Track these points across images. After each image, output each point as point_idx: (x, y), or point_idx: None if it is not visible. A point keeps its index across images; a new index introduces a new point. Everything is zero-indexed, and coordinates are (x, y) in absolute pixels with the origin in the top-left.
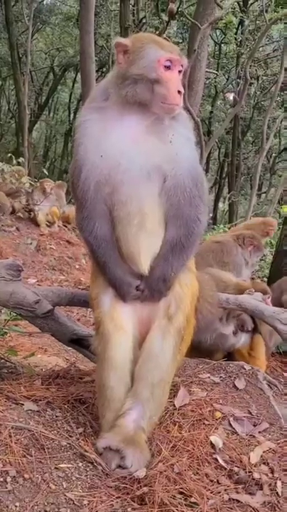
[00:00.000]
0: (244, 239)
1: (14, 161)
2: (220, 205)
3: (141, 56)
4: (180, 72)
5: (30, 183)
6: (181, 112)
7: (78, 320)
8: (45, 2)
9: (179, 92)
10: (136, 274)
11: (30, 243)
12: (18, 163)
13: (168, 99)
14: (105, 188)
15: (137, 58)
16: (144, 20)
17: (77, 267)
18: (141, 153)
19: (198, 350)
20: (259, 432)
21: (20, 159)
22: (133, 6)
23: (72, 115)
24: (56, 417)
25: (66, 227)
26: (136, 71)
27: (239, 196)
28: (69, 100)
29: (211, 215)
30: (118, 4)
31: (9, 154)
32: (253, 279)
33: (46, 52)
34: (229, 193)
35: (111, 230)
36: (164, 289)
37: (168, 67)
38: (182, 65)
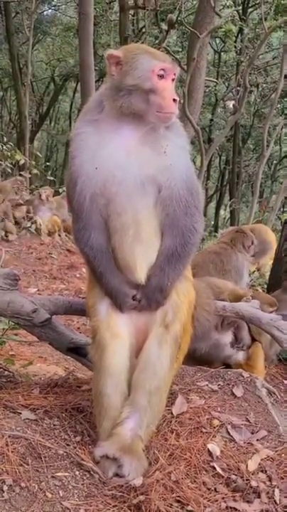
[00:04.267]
0: (241, 242)
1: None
2: (221, 212)
3: (135, 67)
4: (173, 80)
5: (30, 192)
6: (175, 121)
7: (78, 329)
8: (45, 13)
9: (174, 100)
10: (132, 284)
11: (31, 252)
12: (20, 175)
13: (164, 108)
14: (100, 200)
15: (130, 69)
16: (144, 30)
17: (78, 275)
18: (135, 164)
19: (193, 358)
20: (257, 440)
21: (21, 160)
22: (133, 15)
23: (73, 125)
24: (54, 425)
25: (67, 236)
26: (131, 82)
27: (240, 203)
28: (70, 110)
29: (212, 222)
30: (118, 14)
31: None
32: (253, 286)
33: (47, 63)
34: (230, 200)
35: (106, 240)
36: (161, 299)
37: (161, 76)
38: (174, 74)
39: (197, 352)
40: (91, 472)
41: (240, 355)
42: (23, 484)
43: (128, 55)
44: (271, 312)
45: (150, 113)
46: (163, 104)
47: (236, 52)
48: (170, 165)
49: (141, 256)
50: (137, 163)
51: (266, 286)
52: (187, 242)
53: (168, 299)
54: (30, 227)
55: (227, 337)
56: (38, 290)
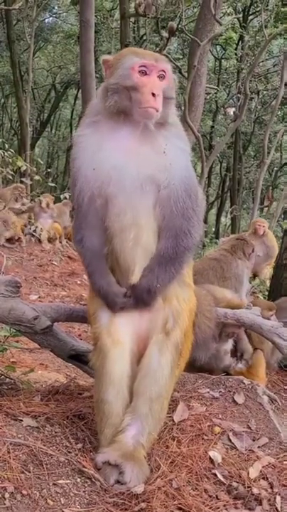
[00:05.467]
0: (242, 250)
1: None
2: (222, 219)
3: (118, 67)
4: (162, 77)
5: (31, 199)
6: (175, 123)
7: (79, 336)
8: (46, 21)
9: (153, 94)
10: (125, 286)
11: (32, 259)
12: (21, 181)
13: (143, 103)
14: (98, 200)
15: (115, 69)
16: (145, 37)
17: (79, 282)
18: (133, 164)
19: (193, 367)
20: (258, 447)
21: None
22: (134, 23)
23: (73, 131)
24: (55, 432)
25: (68, 243)
26: (114, 81)
27: (241, 210)
28: (71, 117)
29: (213, 229)
30: (119, 22)
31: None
32: (254, 293)
33: (48, 70)
34: (231, 207)
35: (100, 242)
36: (149, 300)
37: (144, 73)
38: (164, 71)
39: (197, 362)
40: (93, 479)
41: (240, 364)
42: (24, 492)
43: (116, 58)
44: (270, 315)
45: (133, 110)
46: (142, 99)
47: (237, 59)
48: (170, 164)
49: (141, 259)
50: (135, 163)
51: (267, 293)
52: (179, 245)
53: (157, 300)
54: (33, 231)
55: (227, 346)
56: (39, 297)
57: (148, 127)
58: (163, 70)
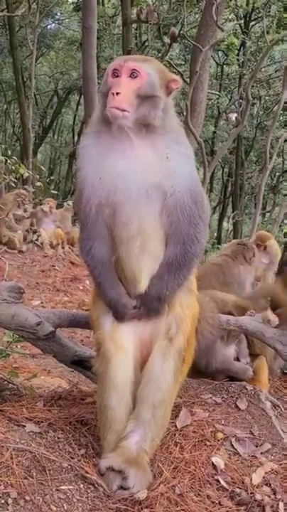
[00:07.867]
0: (242, 255)
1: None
2: (224, 224)
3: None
4: (134, 76)
5: (33, 205)
6: (175, 129)
7: (81, 341)
8: (48, 27)
9: (117, 93)
10: (133, 295)
11: (35, 265)
12: (24, 189)
13: (107, 105)
14: (106, 210)
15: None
16: (147, 43)
17: (81, 288)
18: (139, 172)
19: (204, 373)
20: (261, 453)
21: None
22: (136, 29)
23: (76, 137)
24: (58, 438)
25: (70, 248)
26: (100, 89)
27: (243, 215)
28: (73, 122)
29: (215, 234)
30: (121, 28)
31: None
32: None
33: (50, 76)
34: (233, 212)
35: (109, 251)
36: (160, 308)
37: (115, 76)
38: (135, 70)
39: (209, 368)
40: (96, 485)
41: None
42: (27, 497)
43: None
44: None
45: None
46: (107, 100)
47: (239, 65)
48: (174, 171)
49: (147, 267)
50: (140, 171)
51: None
52: (187, 252)
53: (171, 310)
54: (36, 239)
55: (232, 349)
56: (42, 302)
57: (121, 129)
58: (134, 69)
